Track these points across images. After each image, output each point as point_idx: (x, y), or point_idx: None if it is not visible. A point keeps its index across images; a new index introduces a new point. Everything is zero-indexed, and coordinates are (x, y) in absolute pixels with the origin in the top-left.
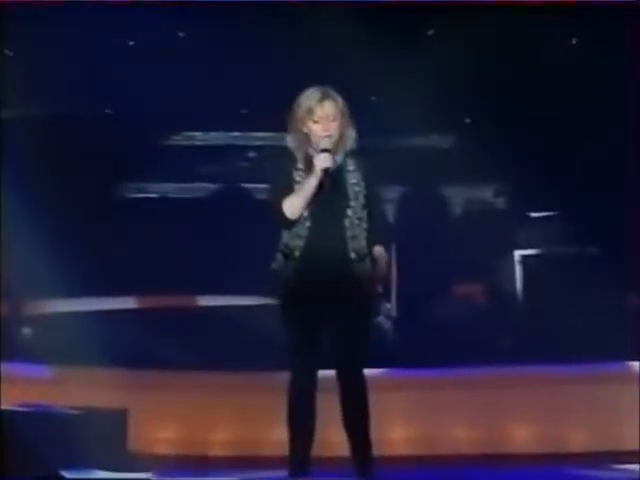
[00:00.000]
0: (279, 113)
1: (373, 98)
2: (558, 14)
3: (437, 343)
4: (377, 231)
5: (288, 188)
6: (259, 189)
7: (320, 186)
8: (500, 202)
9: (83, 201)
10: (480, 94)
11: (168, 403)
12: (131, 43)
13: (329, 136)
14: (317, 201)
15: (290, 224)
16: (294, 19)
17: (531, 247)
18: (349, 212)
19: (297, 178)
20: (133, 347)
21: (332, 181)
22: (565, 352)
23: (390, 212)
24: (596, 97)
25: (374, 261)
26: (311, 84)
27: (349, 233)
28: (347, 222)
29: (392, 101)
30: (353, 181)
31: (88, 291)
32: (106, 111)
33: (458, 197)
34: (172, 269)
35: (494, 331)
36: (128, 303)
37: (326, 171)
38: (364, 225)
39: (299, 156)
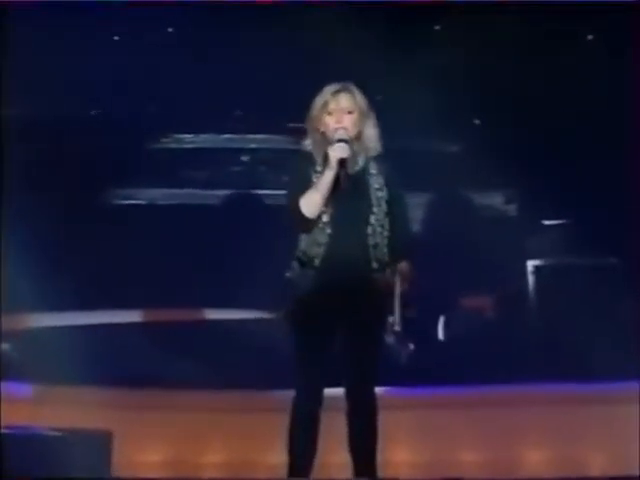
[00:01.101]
0: (275, 114)
1: (378, 97)
2: (570, 13)
3: (444, 359)
4: (402, 244)
5: (307, 190)
6: (264, 195)
7: (337, 181)
8: (512, 209)
9: (69, 209)
10: (491, 95)
11: (155, 424)
12: (116, 39)
13: (344, 128)
14: (338, 206)
15: (309, 225)
16: (292, 18)
17: (544, 257)
18: (372, 219)
19: (316, 180)
20: (118, 365)
21: (353, 185)
22: (581, 370)
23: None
24: (615, 102)
25: (399, 276)
26: (310, 85)
27: (371, 241)
28: (370, 229)
29: (396, 103)
30: (376, 186)
31: (71, 305)
32: (91, 113)
33: (466, 204)
34: (162, 281)
35: (505, 347)
36: (114, 318)
37: (342, 162)
38: (386, 233)
39: (318, 158)
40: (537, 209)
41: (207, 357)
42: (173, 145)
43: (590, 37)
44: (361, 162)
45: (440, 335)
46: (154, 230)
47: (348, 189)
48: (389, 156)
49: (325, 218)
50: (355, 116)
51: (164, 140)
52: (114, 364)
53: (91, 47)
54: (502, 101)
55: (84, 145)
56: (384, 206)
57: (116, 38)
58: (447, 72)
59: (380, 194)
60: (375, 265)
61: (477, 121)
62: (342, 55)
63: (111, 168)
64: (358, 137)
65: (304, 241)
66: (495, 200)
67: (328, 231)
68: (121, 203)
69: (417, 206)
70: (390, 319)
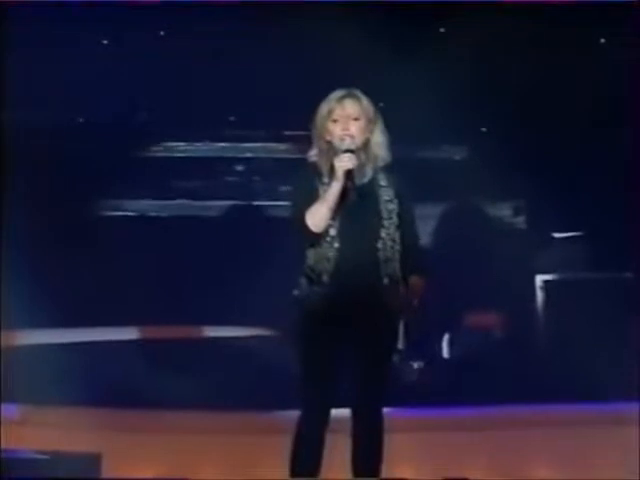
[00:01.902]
0: (274, 121)
1: (380, 104)
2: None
3: (450, 379)
4: (414, 259)
5: (313, 203)
6: (262, 206)
7: (344, 193)
8: (520, 221)
9: (55, 221)
10: (499, 102)
11: (145, 446)
12: (105, 42)
13: (351, 136)
14: (346, 219)
15: (315, 239)
16: (291, 20)
17: (555, 272)
18: (382, 233)
19: (322, 192)
20: (108, 384)
21: (362, 196)
22: (592, 390)
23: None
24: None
25: (410, 291)
26: (311, 90)
27: (382, 256)
28: (380, 244)
29: (399, 110)
30: (386, 198)
31: (57, 322)
32: (78, 120)
33: (472, 216)
34: (154, 297)
35: (513, 366)
36: (102, 335)
37: (349, 173)
38: (398, 247)
39: (324, 168)
40: (547, 221)
41: (203, 376)
42: (165, 154)
43: (603, 40)
44: (370, 172)
45: (445, 353)
46: (146, 244)
47: (357, 201)
48: (399, 166)
49: (333, 232)
50: (362, 123)
51: (155, 148)
52: (104, 383)
53: (77, 53)
54: (511, 108)
55: (69, 154)
56: (395, 219)
57: (105, 42)
58: (455, 78)
59: (391, 206)
60: (386, 281)
61: (484, 129)
62: (345, 60)
63: (98, 178)
64: (365, 145)
65: (311, 256)
66: (503, 212)
67: (336, 245)
68: (109, 215)
69: (421, 218)
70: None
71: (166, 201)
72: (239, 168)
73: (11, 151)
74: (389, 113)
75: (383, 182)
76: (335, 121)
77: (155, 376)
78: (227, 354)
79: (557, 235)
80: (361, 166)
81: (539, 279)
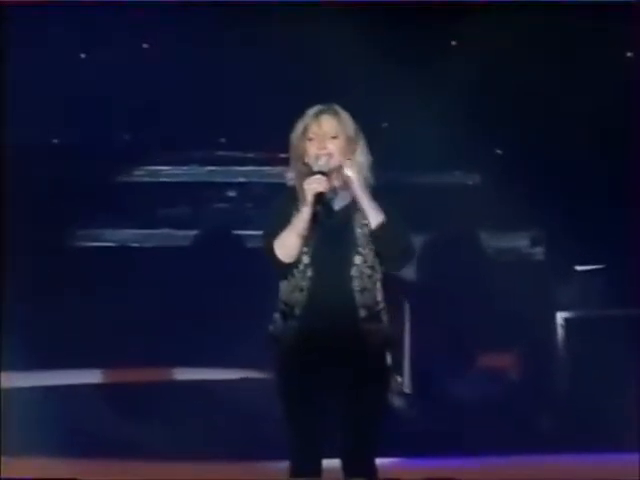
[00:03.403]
0: (267, 142)
1: (385, 124)
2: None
3: (460, 426)
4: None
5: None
6: (252, 236)
7: (315, 218)
8: (539, 253)
9: (23, 251)
10: (514, 120)
11: None
12: (83, 57)
13: (328, 155)
14: (320, 246)
15: (286, 270)
16: (285, 28)
17: (576, 308)
18: (357, 259)
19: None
20: (89, 430)
21: (338, 221)
22: (617, 439)
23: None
24: None
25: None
26: (306, 104)
27: (357, 285)
28: (354, 271)
29: (404, 127)
30: (364, 221)
31: (26, 364)
32: (53, 141)
33: (486, 246)
34: (131, 335)
35: (529, 411)
36: (82, 377)
37: (319, 197)
38: (377, 275)
39: (301, 193)
40: (568, 252)
41: (184, 423)
42: (147, 179)
43: (630, 54)
44: (349, 195)
45: (453, 398)
46: (124, 277)
47: (332, 226)
48: (386, 186)
49: (306, 259)
50: (340, 141)
51: (137, 173)
52: (77, 430)
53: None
54: (527, 127)
55: (41, 177)
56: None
57: (82, 56)
58: (463, 92)
59: (368, 231)
60: (363, 313)
61: (499, 151)
62: (344, 75)
63: (74, 205)
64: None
65: (284, 288)
66: (519, 242)
67: (309, 274)
68: (86, 245)
69: (428, 248)
70: (399, 379)
71: (149, 230)
72: (230, 194)
73: None
74: (390, 131)
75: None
76: (311, 140)
77: (142, 423)
78: (212, 399)
79: (580, 268)
80: (340, 189)
81: (560, 316)
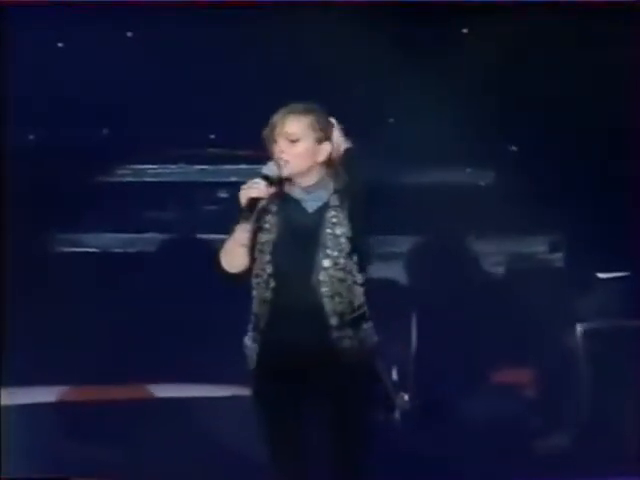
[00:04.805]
0: (259, 140)
1: (391, 120)
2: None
3: (470, 449)
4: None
5: None
6: None
7: (290, 222)
8: (557, 259)
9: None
10: (530, 115)
11: None
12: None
13: (286, 161)
14: (283, 253)
15: (234, 280)
16: (280, 26)
17: (598, 319)
18: (325, 263)
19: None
20: (60, 453)
21: (310, 223)
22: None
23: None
24: None
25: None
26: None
27: (327, 291)
28: (322, 276)
29: (410, 123)
30: (333, 221)
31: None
32: (29, 137)
33: (500, 252)
34: (110, 350)
35: (547, 433)
36: (46, 396)
37: (253, 203)
38: (353, 278)
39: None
40: (589, 259)
41: (164, 444)
42: (131, 178)
43: None
44: (324, 196)
45: (462, 416)
46: (106, 285)
47: (299, 231)
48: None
49: (269, 269)
50: (302, 146)
51: (120, 172)
52: (41, 453)
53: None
54: (544, 123)
55: (19, 178)
56: (345, 245)
57: (66, 51)
58: (475, 87)
59: (339, 230)
60: (334, 321)
61: (514, 147)
62: (341, 71)
63: (53, 207)
64: (309, 172)
65: (254, 300)
66: (537, 248)
67: (272, 285)
68: (66, 251)
69: (436, 254)
70: (405, 397)
71: (134, 234)
72: (222, 195)
73: None
74: (397, 128)
75: (335, 202)
76: (275, 141)
77: (119, 443)
78: (197, 416)
79: (602, 275)
80: (312, 188)
81: (580, 328)
